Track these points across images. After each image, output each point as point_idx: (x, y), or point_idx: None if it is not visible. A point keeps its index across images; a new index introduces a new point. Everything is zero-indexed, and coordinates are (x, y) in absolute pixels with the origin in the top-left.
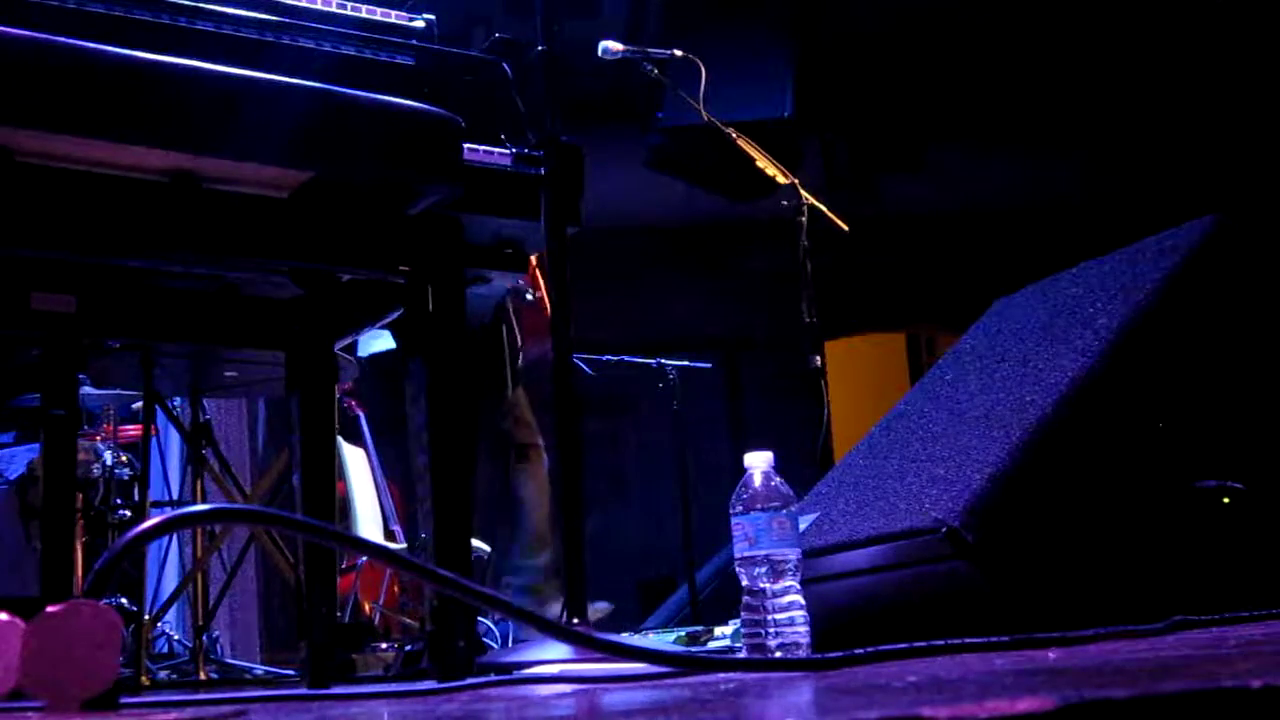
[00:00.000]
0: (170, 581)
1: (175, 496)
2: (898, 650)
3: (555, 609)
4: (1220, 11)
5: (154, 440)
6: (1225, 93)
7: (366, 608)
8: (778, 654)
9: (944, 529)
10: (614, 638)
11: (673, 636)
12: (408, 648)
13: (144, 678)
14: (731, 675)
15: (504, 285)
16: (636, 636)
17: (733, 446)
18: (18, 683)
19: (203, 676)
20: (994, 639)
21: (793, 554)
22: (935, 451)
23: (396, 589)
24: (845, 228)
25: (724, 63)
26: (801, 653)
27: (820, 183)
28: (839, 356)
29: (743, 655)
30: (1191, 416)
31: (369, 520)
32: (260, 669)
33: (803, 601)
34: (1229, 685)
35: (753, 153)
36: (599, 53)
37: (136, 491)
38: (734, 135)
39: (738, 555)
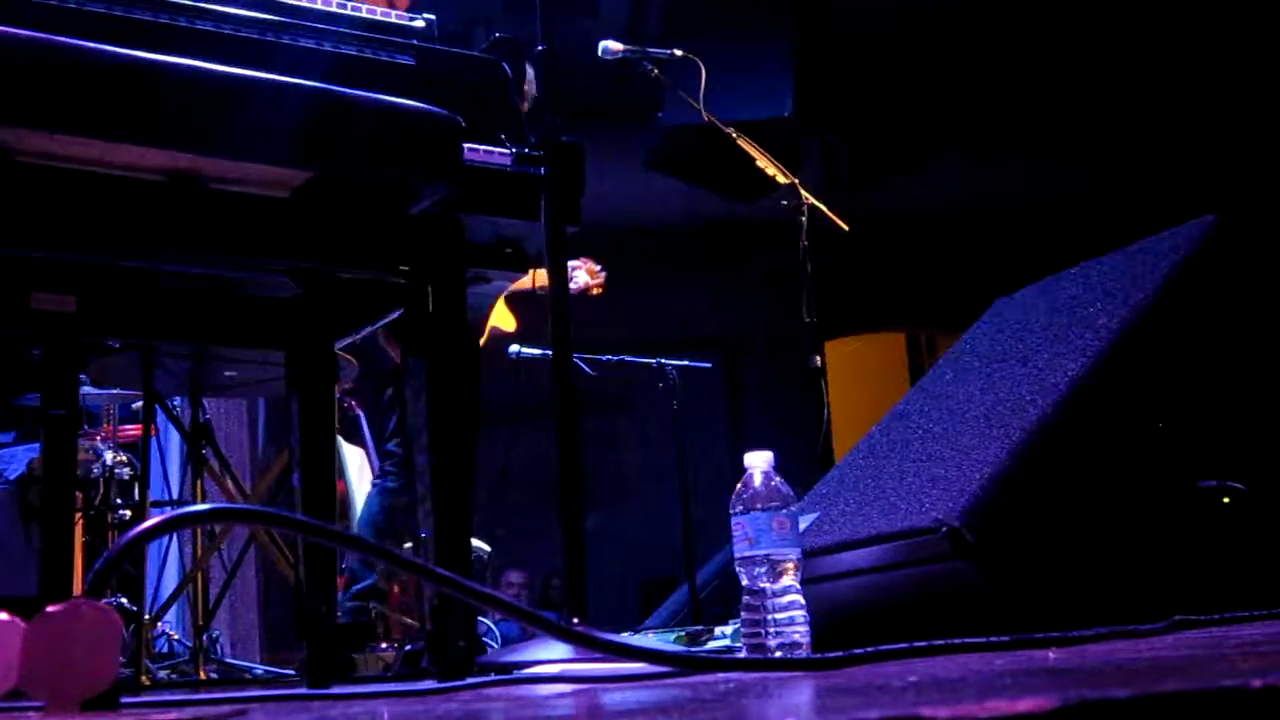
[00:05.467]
0: (170, 581)
1: (175, 496)
2: (898, 650)
3: None
4: (1220, 11)
5: (154, 440)
6: (1225, 93)
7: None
8: (778, 654)
9: (944, 529)
10: (614, 638)
11: (673, 636)
12: (408, 648)
13: (144, 678)
14: (731, 675)
15: (504, 285)
16: (636, 636)
17: (733, 446)
18: (18, 683)
19: (203, 676)
20: (994, 639)
21: (793, 554)
22: (935, 451)
23: (397, 589)
24: (845, 228)
25: (724, 63)
26: (801, 653)
27: (820, 183)
28: (839, 356)
29: (743, 655)
30: (1191, 416)
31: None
32: (260, 669)
33: (803, 601)
34: (1229, 685)
35: (753, 153)
36: (599, 53)
37: (136, 491)
38: (734, 135)
39: (738, 555)
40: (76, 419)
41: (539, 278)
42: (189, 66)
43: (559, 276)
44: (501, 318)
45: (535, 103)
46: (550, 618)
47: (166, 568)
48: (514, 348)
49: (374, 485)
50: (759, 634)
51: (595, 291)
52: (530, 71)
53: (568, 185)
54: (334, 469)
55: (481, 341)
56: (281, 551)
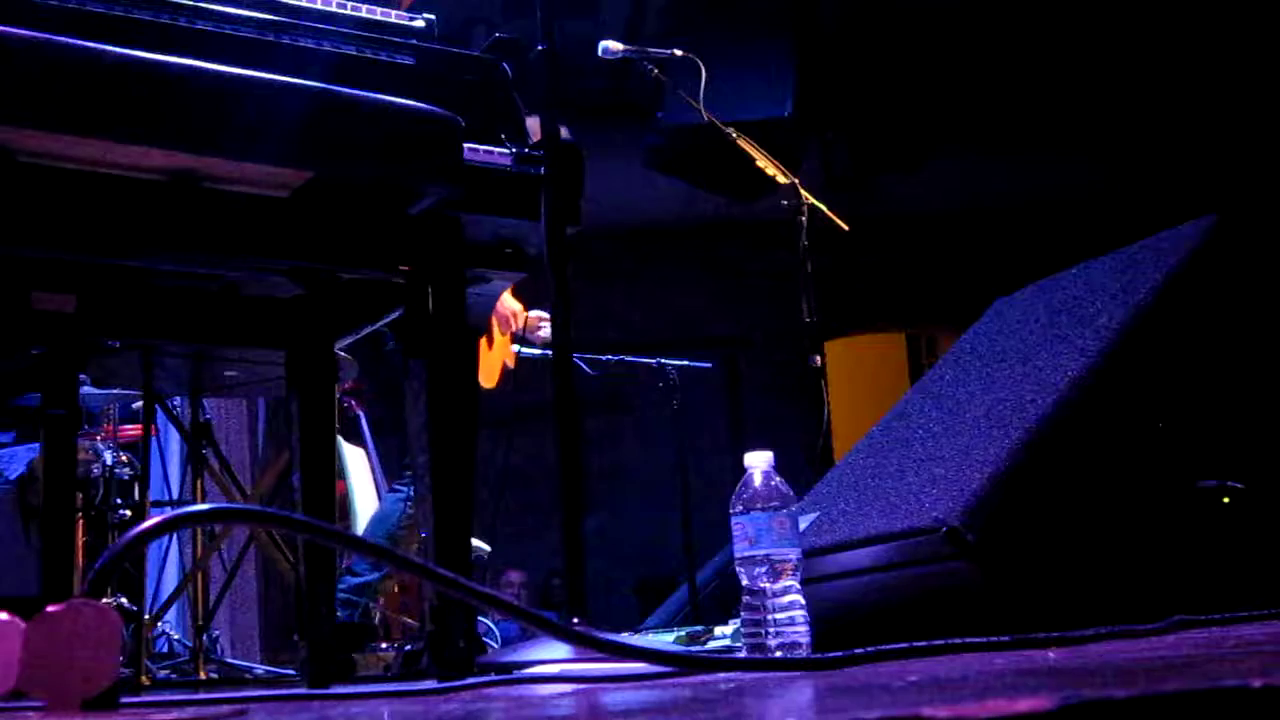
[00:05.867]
0: (170, 581)
1: (175, 496)
2: (898, 650)
3: None
4: (1220, 11)
5: (154, 440)
6: (1225, 92)
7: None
8: (778, 654)
9: (944, 529)
10: (614, 638)
11: (673, 636)
12: (408, 648)
13: (144, 678)
14: (731, 675)
15: (504, 285)
16: (636, 636)
17: (733, 446)
18: (18, 683)
19: (203, 676)
20: (994, 639)
21: (793, 554)
22: (935, 451)
23: (397, 589)
24: (845, 228)
25: (724, 62)
26: (801, 653)
27: (820, 183)
28: (839, 356)
29: (743, 655)
30: (1191, 416)
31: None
32: (260, 669)
33: (803, 601)
34: (1229, 685)
35: (753, 153)
36: (599, 53)
37: (136, 491)
38: (734, 135)
39: (738, 555)
40: (76, 419)
41: (530, 322)
42: (189, 66)
43: (559, 277)
44: (508, 354)
45: (535, 103)
46: (550, 618)
47: (166, 568)
48: (514, 347)
49: (394, 491)
50: (759, 634)
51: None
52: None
53: (568, 185)
54: (334, 469)
55: (494, 382)
56: (281, 551)
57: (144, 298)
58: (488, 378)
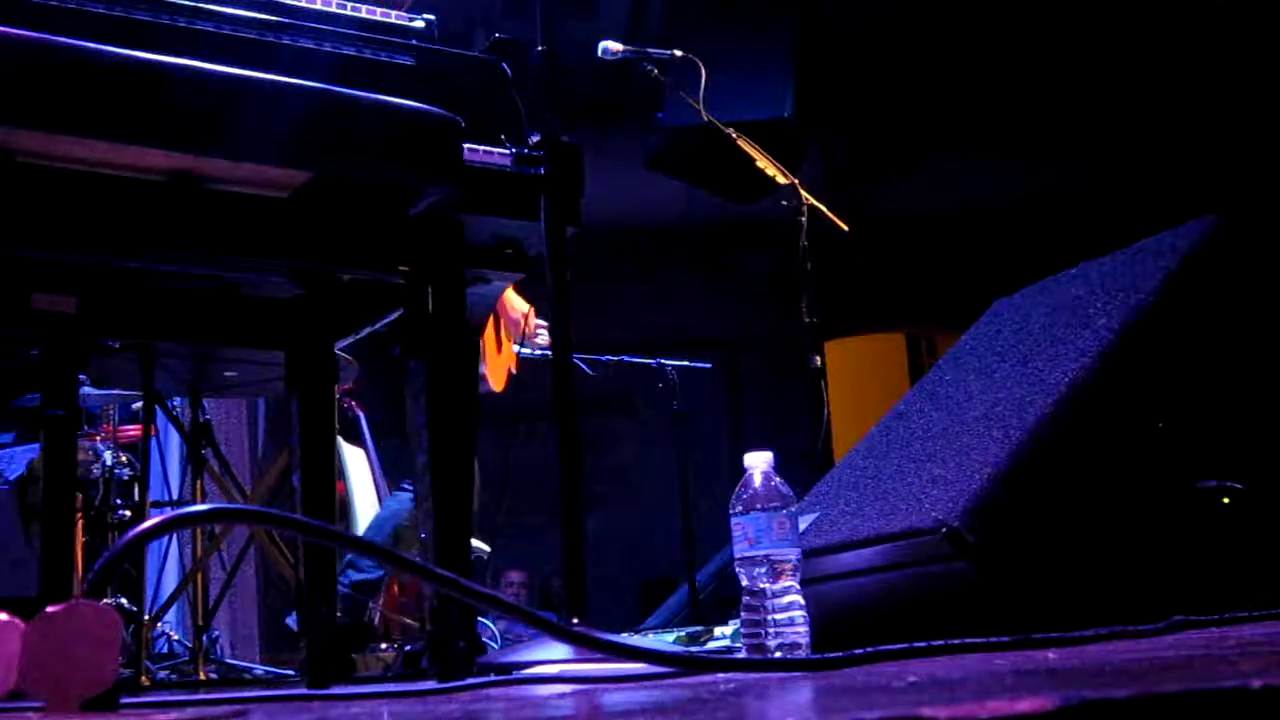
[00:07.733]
0: (170, 581)
1: (175, 496)
2: (898, 650)
3: None
4: (1220, 11)
5: (154, 440)
6: (1225, 93)
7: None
8: (778, 654)
9: (944, 529)
10: (614, 638)
11: (673, 636)
12: (408, 648)
13: (144, 678)
14: (731, 675)
15: (504, 285)
16: (636, 636)
17: (733, 446)
18: (18, 683)
19: (203, 676)
20: (994, 639)
21: (793, 554)
22: (935, 451)
23: (396, 590)
24: (845, 228)
25: (724, 63)
26: (801, 653)
27: (820, 183)
28: (839, 356)
29: (743, 655)
30: (1191, 416)
31: (369, 520)
32: (260, 669)
33: (803, 601)
34: (1229, 685)
35: (753, 153)
36: (599, 53)
37: (136, 491)
38: (734, 135)
39: (738, 555)
40: (76, 419)
41: (530, 329)
42: (189, 67)
43: (559, 277)
44: (513, 359)
45: (535, 103)
46: (550, 618)
47: (166, 568)
48: (515, 348)
49: (403, 490)
50: (759, 634)
51: None
52: None
53: (567, 185)
54: (334, 469)
55: (503, 385)
56: (281, 551)
57: (144, 298)
58: (497, 381)
